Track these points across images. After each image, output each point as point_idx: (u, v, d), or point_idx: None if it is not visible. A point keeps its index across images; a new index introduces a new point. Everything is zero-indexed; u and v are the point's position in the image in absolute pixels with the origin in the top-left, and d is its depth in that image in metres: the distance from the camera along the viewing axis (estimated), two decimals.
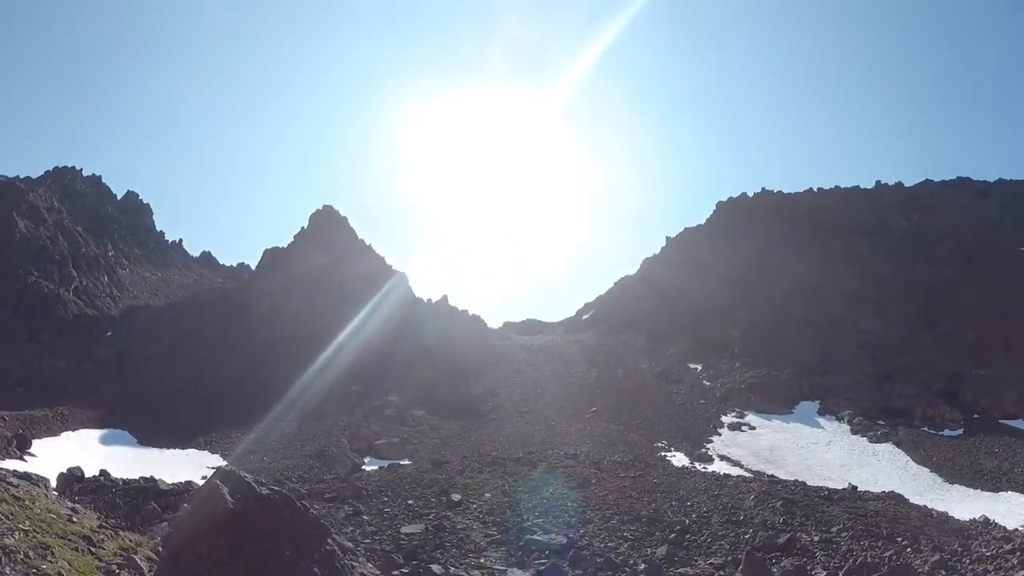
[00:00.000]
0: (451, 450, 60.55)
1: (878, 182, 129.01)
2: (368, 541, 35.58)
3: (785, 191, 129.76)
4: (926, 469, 60.00)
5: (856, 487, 50.02)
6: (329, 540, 18.07)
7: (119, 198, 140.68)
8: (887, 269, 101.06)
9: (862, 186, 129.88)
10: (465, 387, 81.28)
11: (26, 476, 28.55)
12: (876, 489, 49.66)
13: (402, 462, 57.94)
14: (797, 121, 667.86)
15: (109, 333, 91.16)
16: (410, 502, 44.29)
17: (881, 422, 70.54)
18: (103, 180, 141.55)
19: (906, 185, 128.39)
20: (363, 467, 57.86)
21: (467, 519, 41.32)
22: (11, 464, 41.58)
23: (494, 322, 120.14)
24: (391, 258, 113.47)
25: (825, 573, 29.44)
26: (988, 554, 30.09)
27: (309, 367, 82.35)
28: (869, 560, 29.61)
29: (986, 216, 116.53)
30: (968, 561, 29.32)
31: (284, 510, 17.53)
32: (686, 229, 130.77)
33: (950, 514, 43.11)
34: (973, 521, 41.41)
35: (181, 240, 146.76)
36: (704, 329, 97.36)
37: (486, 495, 46.34)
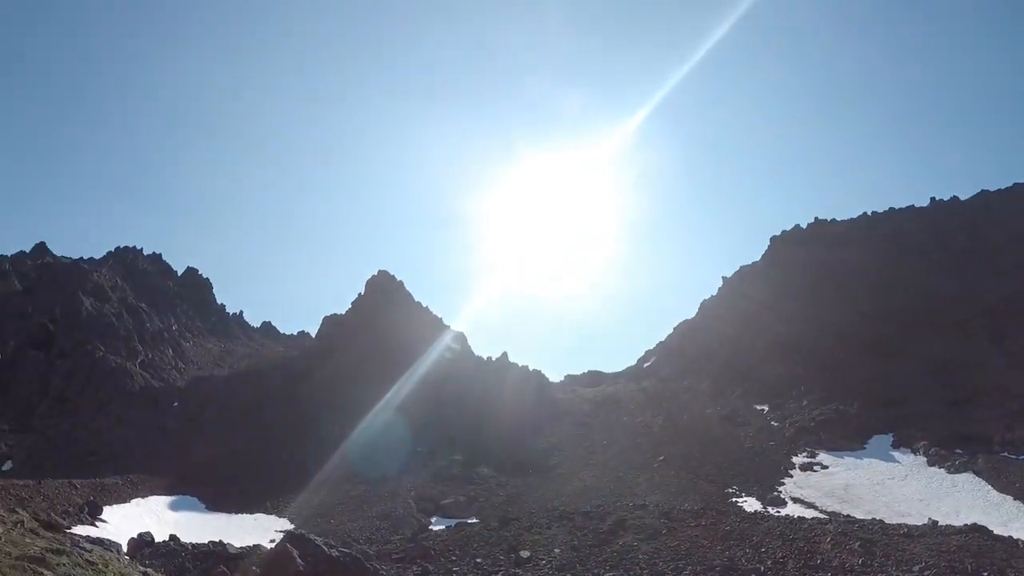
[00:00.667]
0: (518, 507, 60.01)
1: (932, 199, 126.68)
2: None
3: (838, 218, 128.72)
4: (1009, 497, 57.64)
5: (936, 522, 48.22)
6: None
7: (179, 274, 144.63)
8: (950, 287, 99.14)
9: (916, 205, 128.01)
10: (530, 442, 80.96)
11: (99, 541, 29.06)
12: (958, 522, 47.52)
13: (469, 520, 57.43)
14: (845, 147, 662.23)
15: (175, 404, 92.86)
16: (478, 560, 43.96)
17: (958, 451, 68.02)
18: (163, 258, 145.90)
19: (961, 199, 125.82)
20: (430, 527, 57.62)
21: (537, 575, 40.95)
22: (83, 530, 42.50)
23: (555, 376, 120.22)
24: (448, 319, 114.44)
25: None
26: None
27: (373, 430, 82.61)
28: None
29: None
30: None
31: (354, 571, 17.60)
32: (742, 267, 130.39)
33: None
34: None
35: (242, 312, 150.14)
36: (768, 368, 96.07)
37: (555, 551, 45.81)
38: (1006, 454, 67.44)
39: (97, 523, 50.70)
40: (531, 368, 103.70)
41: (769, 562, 39.35)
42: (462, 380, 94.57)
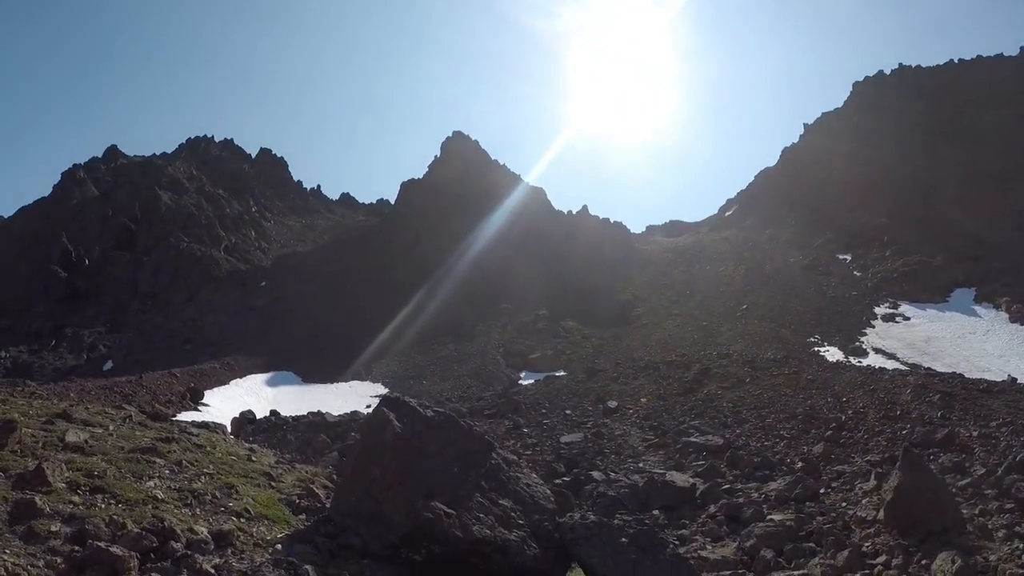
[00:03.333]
0: (604, 358, 61.43)
1: (1022, 48, 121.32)
2: (529, 453, 36.98)
3: (923, 65, 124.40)
4: None
5: (1016, 379, 47.88)
6: (494, 454, 18.98)
7: (253, 157, 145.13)
8: None
9: (1006, 53, 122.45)
10: (613, 294, 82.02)
11: (204, 425, 30.39)
12: None
13: (557, 374, 59.22)
14: None
15: (263, 283, 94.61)
16: (567, 412, 45.64)
17: None
18: (235, 143, 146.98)
19: None
20: (519, 382, 59.42)
21: (624, 425, 42.46)
22: (188, 416, 43.58)
23: (637, 227, 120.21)
24: (526, 174, 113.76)
25: (984, 470, 29.05)
26: None
27: (457, 293, 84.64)
28: None
29: None
30: None
31: (449, 430, 18.50)
32: (823, 114, 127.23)
33: None
34: None
35: (319, 186, 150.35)
36: (851, 218, 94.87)
37: (642, 400, 47.38)
38: None
39: (200, 408, 52.88)
40: (611, 220, 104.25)
41: (850, 411, 40.29)
42: (542, 235, 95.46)
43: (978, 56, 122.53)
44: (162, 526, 12.21)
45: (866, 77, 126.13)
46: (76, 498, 12.56)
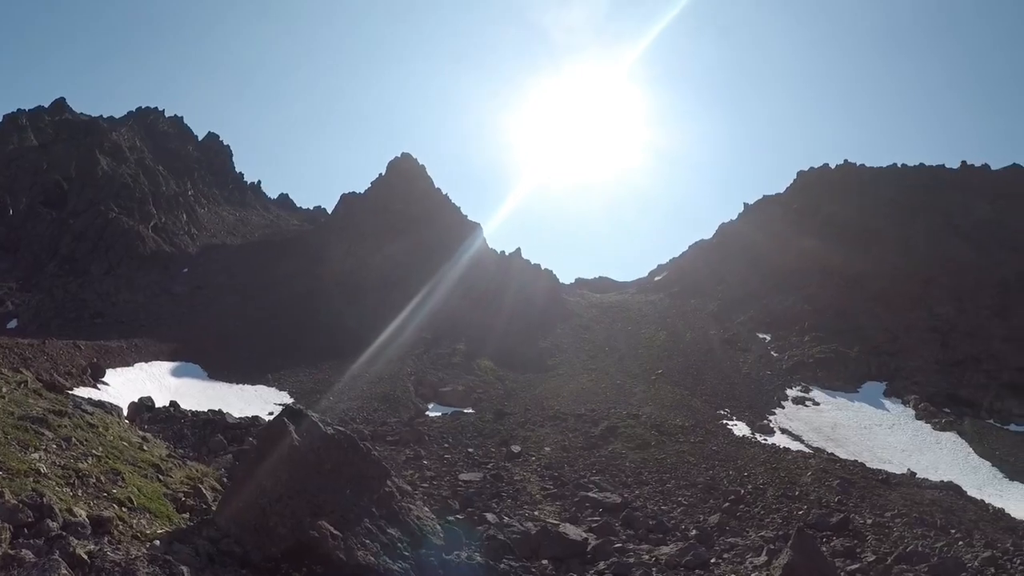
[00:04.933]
0: (515, 402, 61.28)
1: (964, 163, 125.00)
2: (426, 485, 36.63)
3: (868, 164, 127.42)
4: (988, 462, 58.74)
5: (915, 473, 49.71)
6: (389, 482, 18.83)
7: (200, 139, 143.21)
8: (967, 254, 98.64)
9: (947, 165, 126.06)
10: (533, 340, 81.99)
11: (100, 404, 29.51)
12: (935, 477, 48.94)
13: (465, 410, 58.97)
14: (881, 92, 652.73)
15: (185, 270, 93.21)
16: (470, 450, 45.39)
17: (947, 410, 69.22)
18: (184, 121, 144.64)
19: (992, 168, 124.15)
20: (427, 413, 58.90)
21: (525, 471, 42.21)
22: (85, 392, 42.72)
23: (566, 278, 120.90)
24: (466, 205, 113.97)
25: (875, 557, 29.57)
26: None
27: (379, 313, 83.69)
28: (920, 549, 29.67)
29: None
30: (1019, 562, 29.07)
31: (347, 451, 18.22)
32: (765, 197, 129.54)
33: (1007, 511, 41.99)
34: None
35: (260, 182, 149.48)
36: (775, 300, 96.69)
37: (546, 449, 47.22)
38: (992, 421, 68.75)
39: (99, 385, 51.62)
40: (543, 267, 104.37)
41: (750, 486, 40.58)
42: (472, 271, 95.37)
43: (921, 163, 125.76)
44: (40, 502, 11.76)
45: (811, 168, 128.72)
46: None
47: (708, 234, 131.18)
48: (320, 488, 16.84)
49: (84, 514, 12.58)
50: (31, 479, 12.78)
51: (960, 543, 32.05)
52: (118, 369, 58.77)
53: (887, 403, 71.75)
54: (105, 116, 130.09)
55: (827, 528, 33.51)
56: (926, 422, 66.79)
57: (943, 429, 65.19)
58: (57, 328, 67.24)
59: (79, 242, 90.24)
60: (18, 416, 16.61)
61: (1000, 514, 41.18)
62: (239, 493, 17.12)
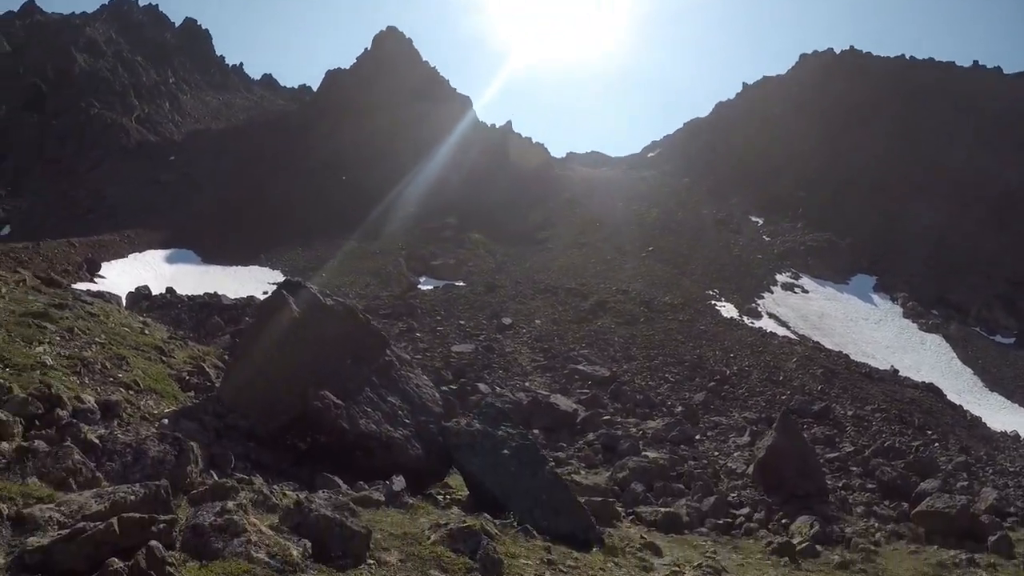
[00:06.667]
0: (505, 275, 61.34)
1: (975, 62, 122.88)
2: (419, 357, 36.92)
3: (875, 53, 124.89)
4: (969, 370, 59.23)
5: (898, 371, 50.14)
6: (388, 351, 18.85)
7: (177, 26, 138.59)
8: (971, 155, 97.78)
9: (958, 63, 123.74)
10: (524, 214, 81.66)
11: (99, 295, 29.55)
12: (917, 377, 49.46)
13: (457, 283, 59.03)
14: None
15: (172, 158, 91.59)
16: (462, 322, 45.72)
17: (935, 312, 69.45)
18: (159, 9, 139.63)
19: (1005, 72, 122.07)
20: (418, 286, 59.03)
21: (516, 343, 42.68)
22: (83, 286, 42.70)
23: (557, 151, 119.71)
24: (455, 83, 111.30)
25: (853, 448, 30.17)
26: (1011, 469, 30.44)
27: (369, 189, 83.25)
28: (897, 446, 30.25)
29: None
30: (991, 472, 29.57)
31: (346, 321, 18.13)
32: (765, 78, 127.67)
33: (983, 420, 42.90)
34: (1004, 433, 40.89)
35: (242, 64, 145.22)
36: (770, 184, 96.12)
37: (536, 321, 47.55)
38: (978, 329, 69.17)
39: (96, 279, 51.73)
40: (534, 140, 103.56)
41: (735, 368, 41.35)
42: (463, 145, 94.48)
43: (930, 58, 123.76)
44: (49, 392, 11.75)
45: (815, 51, 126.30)
46: None
47: (704, 114, 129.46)
48: (321, 359, 16.81)
49: (92, 400, 12.69)
50: (38, 372, 12.80)
51: (936, 445, 32.67)
52: (113, 262, 58.94)
53: (876, 298, 72.22)
54: (77, 13, 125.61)
55: (809, 415, 34.16)
56: (913, 321, 67.28)
57: (929, 331, 65.61)
58: (51, 229, 66.33)
59: (63, 142, 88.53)
60: (19, 313, 16.55)
61: (977, 422, 41.97)
62: (241, 368, 17.14)
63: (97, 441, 10.51)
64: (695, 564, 14.58)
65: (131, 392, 14.63)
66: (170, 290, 47.42)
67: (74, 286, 37.64)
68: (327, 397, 15.86)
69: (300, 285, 18.44)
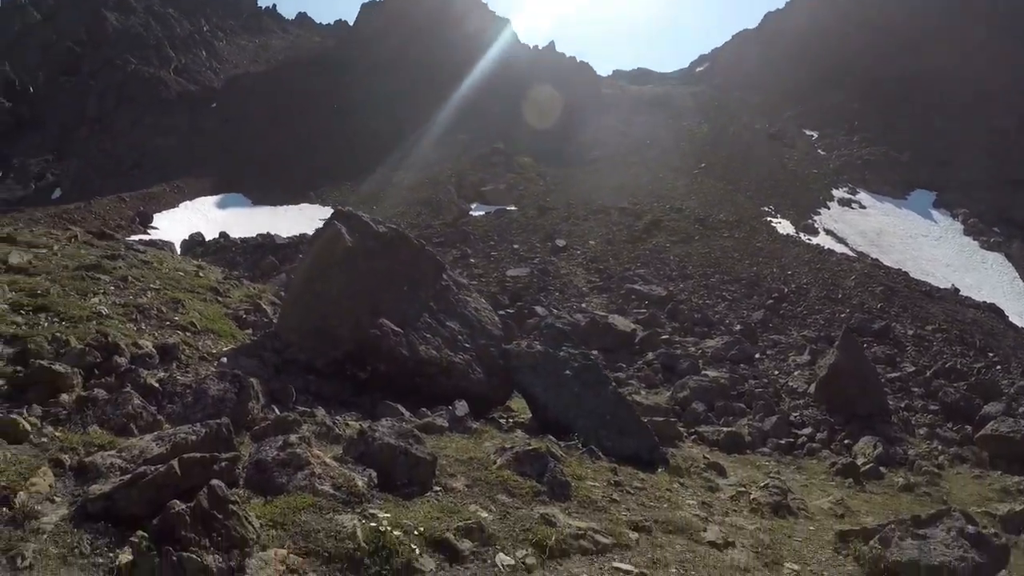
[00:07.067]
0: (556, 197, 60.67)
1: None
2: (475, 283, 36.90)
3: None
4: None
5: (959, 290, 48.78)
6: (444, 276, 18.62)
7: None
8: None
9: None
10: (572, 135, 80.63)
11: (152, 243, 29.90)
12: (978, 297, 47.95)
13: (508, 208, 58.66)
14: None
15: (214, 105, 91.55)
16: (516, 246, 45.66)
17: (996, 229, 66.50)
18: None
19: None
20: (470, 213, 58.65)
21: (571, 265, 42.55)
22: (136, 239, 43.72)
23: (603, 69, 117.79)
24: (495, 5, 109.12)
25: (914, 368, 29.74)
26: None
27: (413, 119, 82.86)
28: (958, 367, 29.68)
29: None
30: None
31: (401, 248, 17.79)
32: None
33: None
34: None
35: (275, 5, 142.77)
36: (823, 96, 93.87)
37: (590, 242, 47.29)
38: None
39: (149, 231, 52.64)
40: (578, 60, 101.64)
41: (793, 285, 40.82)
42: (505, 68, 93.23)
43: None
44: (105, 341, 11.78)
45: None
46: (19, 318, 12.12)
47: (752, 24, 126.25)
48: (377, 287, 16.66)
49: (150, 345, 12.71)
50: (93, 323, 12.86)
51: (998, 368, 31.76)
52: (164, 212, 59.98)
53: (935, 214, 69.79)
54: None
55: (868, 334, 33.69)
56: (974, 239, 64.81)
57: (990, 249, 63.15)
58: (100, 187, 67.01)
59: (103, 101, 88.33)
60: (73, 268, 16.62)
61: None
62: (297, 302, 17.01)
63: (157, 385, 10.50)
64: (761, 485, 14.38)
65: (188, 334, 14.65)
66: (223, 234, 48.40)
67: (128, 239, 38.30)
68: (385, 325, 15.68)
69: (351, 214, 18.15)
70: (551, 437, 12.90)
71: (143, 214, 55.66)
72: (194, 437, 7.82)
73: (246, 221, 57.69)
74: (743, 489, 14.04)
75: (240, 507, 6.48)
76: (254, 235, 47.40)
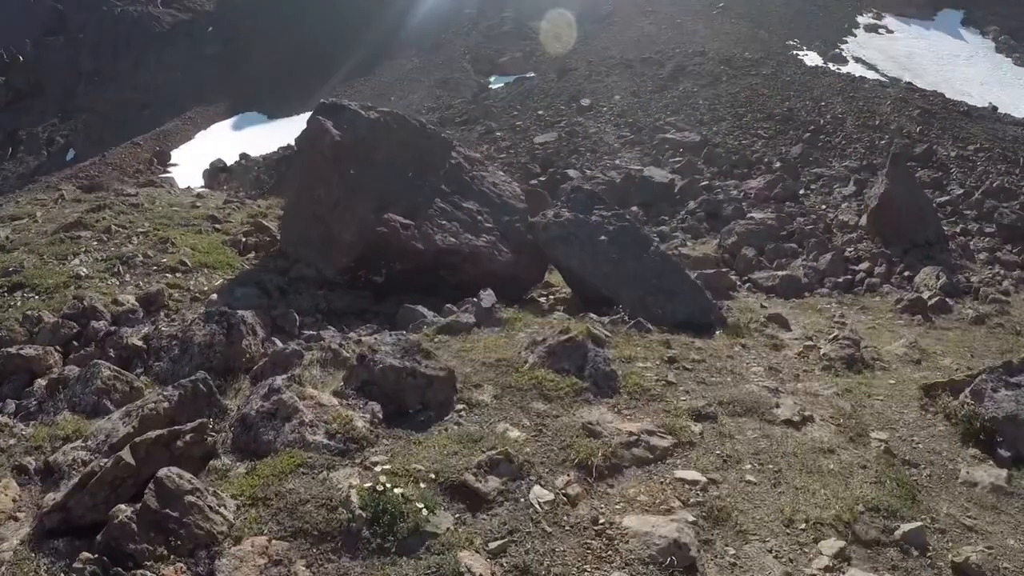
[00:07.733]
0: (575, 57, 58.77)
1: None
2: (503, 156, 36.57)
3: None
4: None
5: (996, 108, 46.82)
6: (453, 154, 17.47)
7: None
8: None
9: None
10: None
11: (150, 182, 29.47)
12: (1016, 114, 45.97)
13: (527, 75, 57.34)
14: None
15: (210, 29, 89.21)
16: (540, 112, 44.76)
17: None
18: None
19: None
20: (489, 87, 57.43)
21: (599, 123, 41.83)
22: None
23: None
24: None
25: (962, 191, 28.93)
26: None
27: (415, 2, 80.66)
28: (1006, 186, 28.90)
29: None
30: None
31: (399, 131, 16.58)
32: None
33: None
34: None
35: None
36: None
37: (616, 97, 46.38)
38: None
39: (168, 169, 52.09)
40: None
41: (828, 116, 39.76)
42: None
43: None
44: (82, 307, 11.44)
45: None
46: None
47: None
48: (377, 179, 15.50)
49: (132, 299, 12.30)
50: (71, 288, 12.54)
51: None
52: (182, 147, 59.62)
53: (964, 33, 67.07)
54: None
55: (911, 159, 32.81)
56: (1007, 56, 62.46)
57: None
58: (113, 138, 66.00)
59: (98, 51, 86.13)
60: (52, 232, 16.30)
61: None
62: (296, 213, 16.14)
63: (141, 343, 9.86)
64: (830, 337, 13.25)
65: (178, 275, 14.14)
66: (243, 155, 47.99)
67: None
68: (392, 219, 14.66)
69: (336, 105, 16.88)
70: (592, 315, 11.98)
71: (160, 153, 55.39)
72: (166, 404, 6.89)
73: (266, 137, 56.38)
74: (810, 343, 13.11)
75: (203, 495, 5.50)
76: (275, 149, 46.75)
